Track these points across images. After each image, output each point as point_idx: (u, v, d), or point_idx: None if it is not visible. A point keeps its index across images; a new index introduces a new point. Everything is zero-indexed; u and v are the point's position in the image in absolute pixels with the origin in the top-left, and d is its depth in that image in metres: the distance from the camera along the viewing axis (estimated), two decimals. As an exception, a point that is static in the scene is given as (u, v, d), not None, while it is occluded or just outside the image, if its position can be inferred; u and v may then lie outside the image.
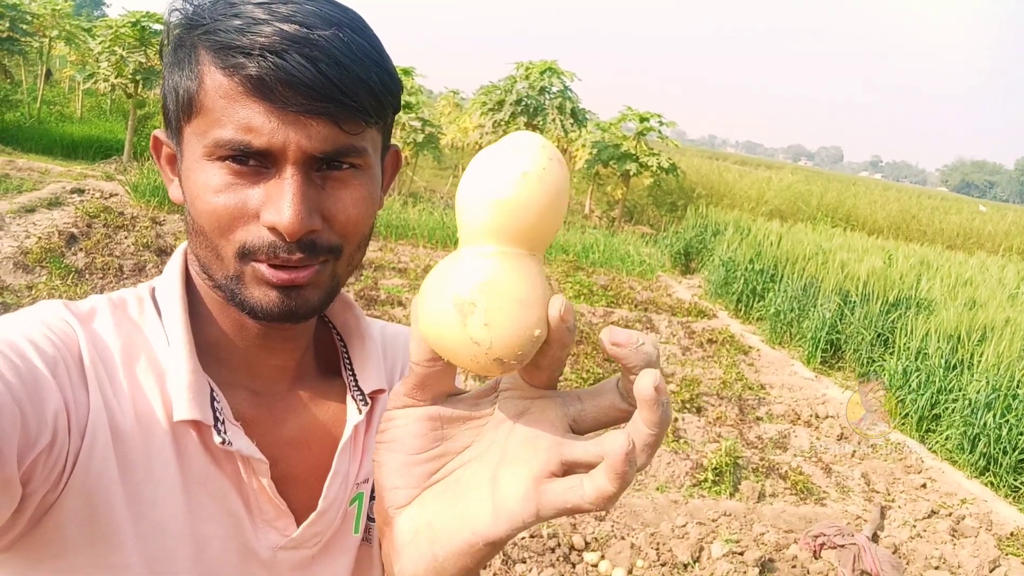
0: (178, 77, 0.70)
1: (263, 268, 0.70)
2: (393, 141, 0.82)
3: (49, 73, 15.67)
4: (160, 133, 0.78)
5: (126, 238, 7.44)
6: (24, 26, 11.95)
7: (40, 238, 6.82)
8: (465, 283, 0.46)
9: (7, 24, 11.32)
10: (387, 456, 0.54)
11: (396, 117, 0.98)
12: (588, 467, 0.47)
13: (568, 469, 0.48)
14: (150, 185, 8.93)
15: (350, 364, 0.87)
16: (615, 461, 0.44)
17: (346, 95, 0.66)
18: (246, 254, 0.69)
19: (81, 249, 6.81)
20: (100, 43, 12.17)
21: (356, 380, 0.85)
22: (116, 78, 11.98)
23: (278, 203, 0.67)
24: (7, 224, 7.36)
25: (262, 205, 0.68)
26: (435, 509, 0.52)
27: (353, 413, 0.83)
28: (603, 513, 4.08)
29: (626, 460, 0.44)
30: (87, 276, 6.21)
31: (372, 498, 0.88)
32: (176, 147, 0.74)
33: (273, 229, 0.68)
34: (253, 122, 0.66)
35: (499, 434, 0.52)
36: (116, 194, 9.49)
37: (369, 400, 0.84)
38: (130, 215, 8.34)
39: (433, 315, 0.47)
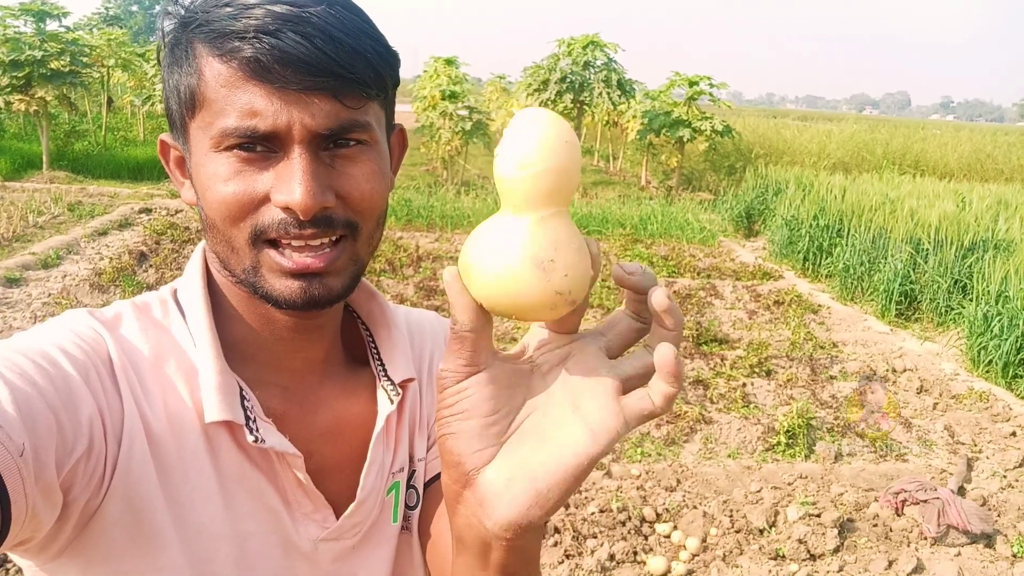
0: (178, 75, 0.71)
1: (277, 256, 0.70)
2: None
3: (111, 101, 16.24)
4: (167, 136, 0.78)
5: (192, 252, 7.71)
6: (84, 59, 12.40)
7: (112, 259, 7.14)
8: (540, 244, 0.52)
9: (68, 59, 11.76)
10: (462, 425, 0.56)
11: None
12: (639, 378, 0.55)
13: (626, 385, 0.55)
14: (212, 198, 9.23)
15: (378, 354, 0.87)
16: (669, 365, 0.51)
17: (344, 68, 0.66)
18: (258, 235, 0.70)
19: (151, 266, 7.10)
20: (153, 66, 12.58)
21: (385, 370, 0.85)
22: (172, 98, 12.36)
23: (289, 183, 0.67)
24: (82, 248, 7.72)
25: (272, 188, 0.68)
26: (524, 452, 0.55)
27: (384, 403, 0.83)
28: (674, 483, 4.05)
29: (677, 362, 0.51)
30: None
31: (408, 487, 0.89)
32: (183, 146, 0.74)
33: (286, 209, 0.68)
34: (255, 106, 0.66)
35: (553, 379, 0.57)
36: (181, 210, 9.84)
37: (400, 390, 0.84)
38: (195, 229, 8.64)
39: (508, 277, 0.52)
